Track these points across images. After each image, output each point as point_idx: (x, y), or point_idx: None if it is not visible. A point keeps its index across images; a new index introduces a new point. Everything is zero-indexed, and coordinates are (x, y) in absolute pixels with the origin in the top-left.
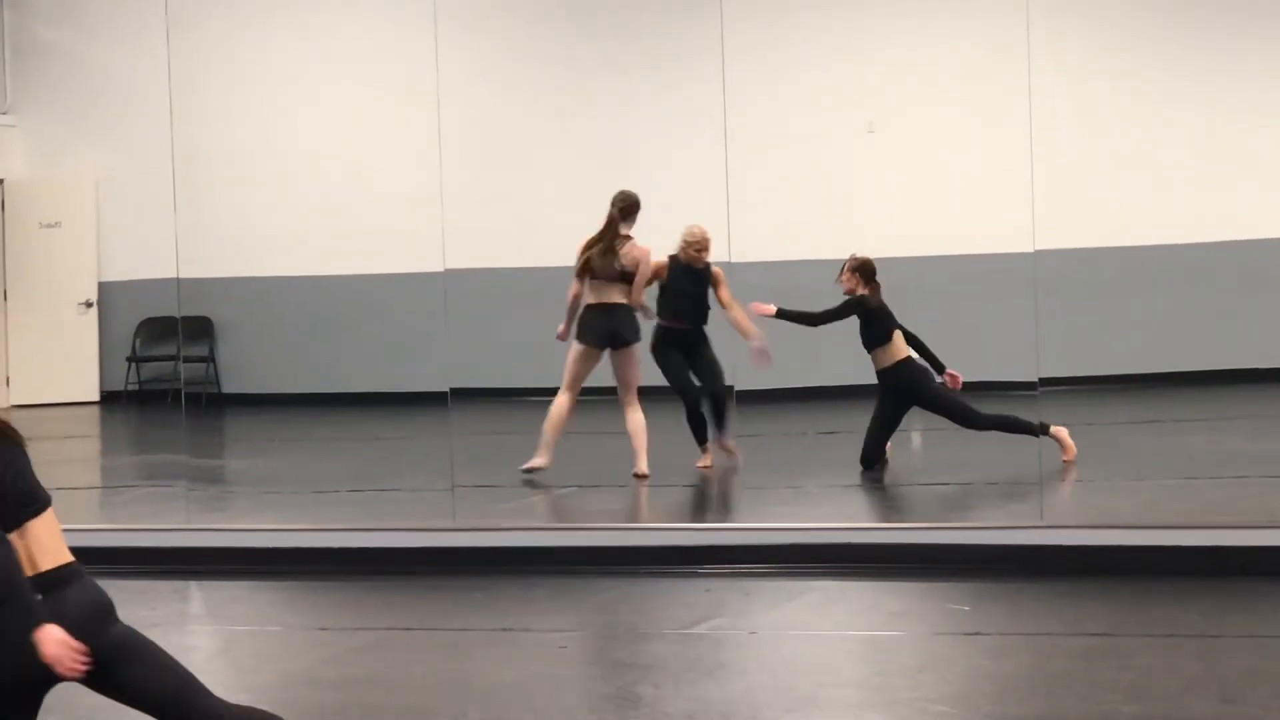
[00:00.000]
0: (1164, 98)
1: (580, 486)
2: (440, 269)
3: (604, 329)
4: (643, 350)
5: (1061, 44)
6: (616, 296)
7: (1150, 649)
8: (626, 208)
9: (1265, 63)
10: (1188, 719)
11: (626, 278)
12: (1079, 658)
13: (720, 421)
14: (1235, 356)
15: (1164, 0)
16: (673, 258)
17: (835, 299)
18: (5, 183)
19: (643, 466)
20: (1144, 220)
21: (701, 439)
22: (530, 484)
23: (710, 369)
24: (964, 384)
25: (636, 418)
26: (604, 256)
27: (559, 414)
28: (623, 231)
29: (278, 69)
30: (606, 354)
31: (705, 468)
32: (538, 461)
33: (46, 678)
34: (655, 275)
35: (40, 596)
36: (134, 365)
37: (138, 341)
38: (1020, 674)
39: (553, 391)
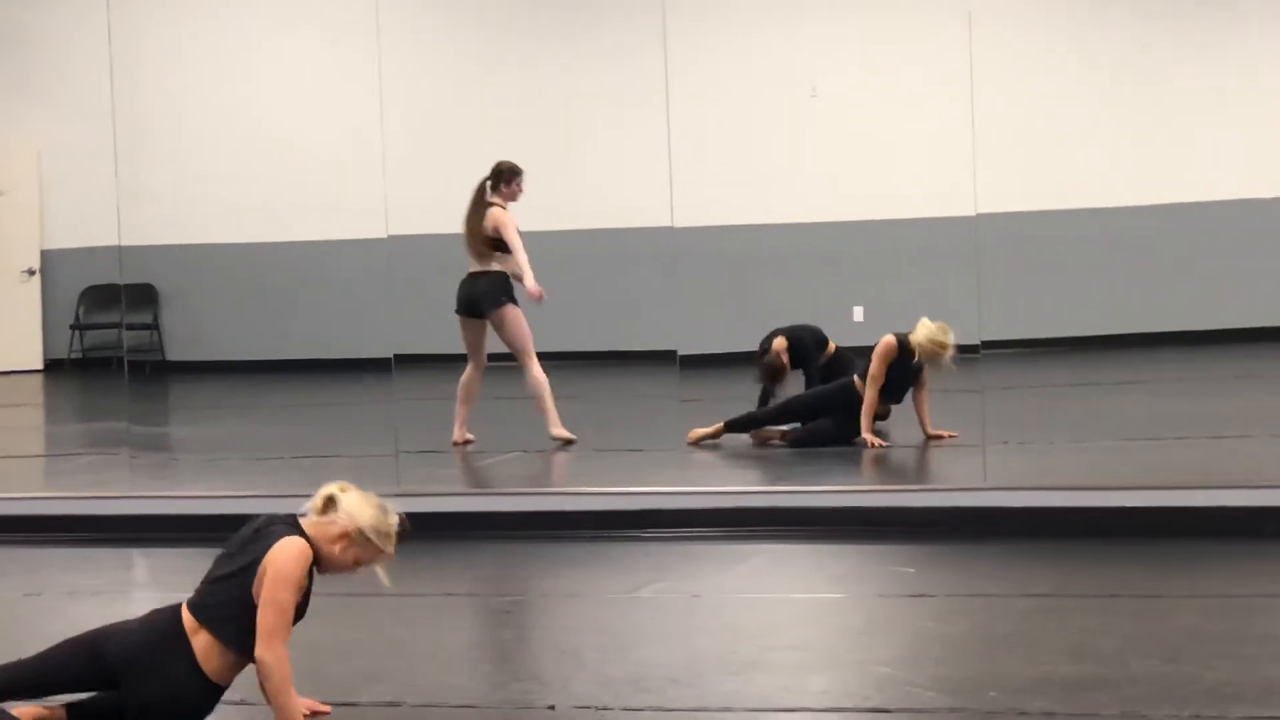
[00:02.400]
0: (1105, 62)
1: (525, 451)
2: (384, 235)
3: (463, 297)
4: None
5: (1003, 7)
6: (479, 265)
7: (1092, 609)
8: (493, 175)
9: (1206, 28)
10: (1128, 678)
11: (497, 245)
12: (1022, 619)
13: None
14: (1174, 319)
15: None
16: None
17: (780, 261)
18: None
19: (556, 429)
20: (1085, 184)
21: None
22: (478, 451)
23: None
24: None
25: (531, 378)
26: (468, 224)
27: (462, 384)
28: (490, 199)
29: (220, 35)
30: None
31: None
32: (456, 435)
33: None
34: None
35: None
36: (77, 333)
37: (81, 309)
38: (964, 635)
39: (497, 358)
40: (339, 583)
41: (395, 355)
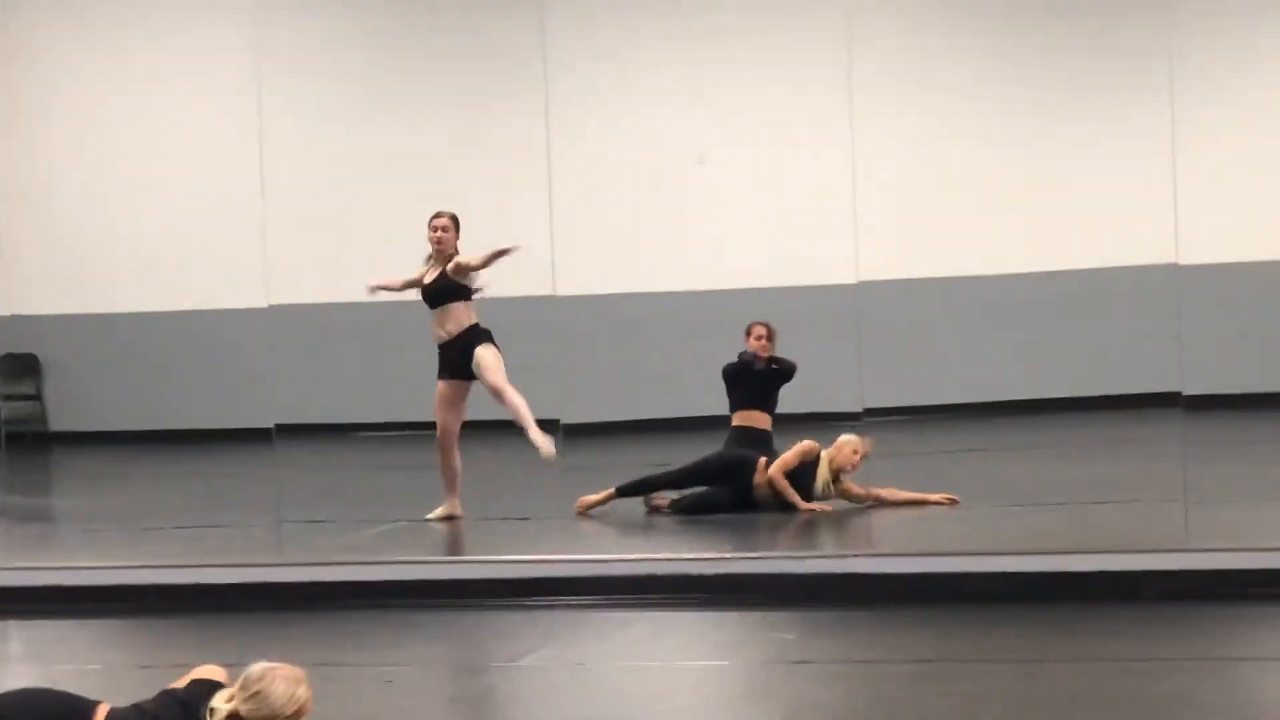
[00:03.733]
0: (984, 134)
1: (410, 521)
2: (264, 304)
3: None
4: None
5: (883, 82)
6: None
7: (973, 674)
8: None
9: (1084, 99)
10: None
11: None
12: (904, 684)
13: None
14: (1054, 386)
15: (985, 40)
16: None
17: (666, 329)
18: None
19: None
20: (966, 252)
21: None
22: (363, 519)
23: None
24: (791, 414)
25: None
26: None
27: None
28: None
29: (99, 104)
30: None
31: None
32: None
33: None
34: None
35: None
36: None
37: None
38: (845, 701)
39: (383, 426)
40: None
41: (276, 425)
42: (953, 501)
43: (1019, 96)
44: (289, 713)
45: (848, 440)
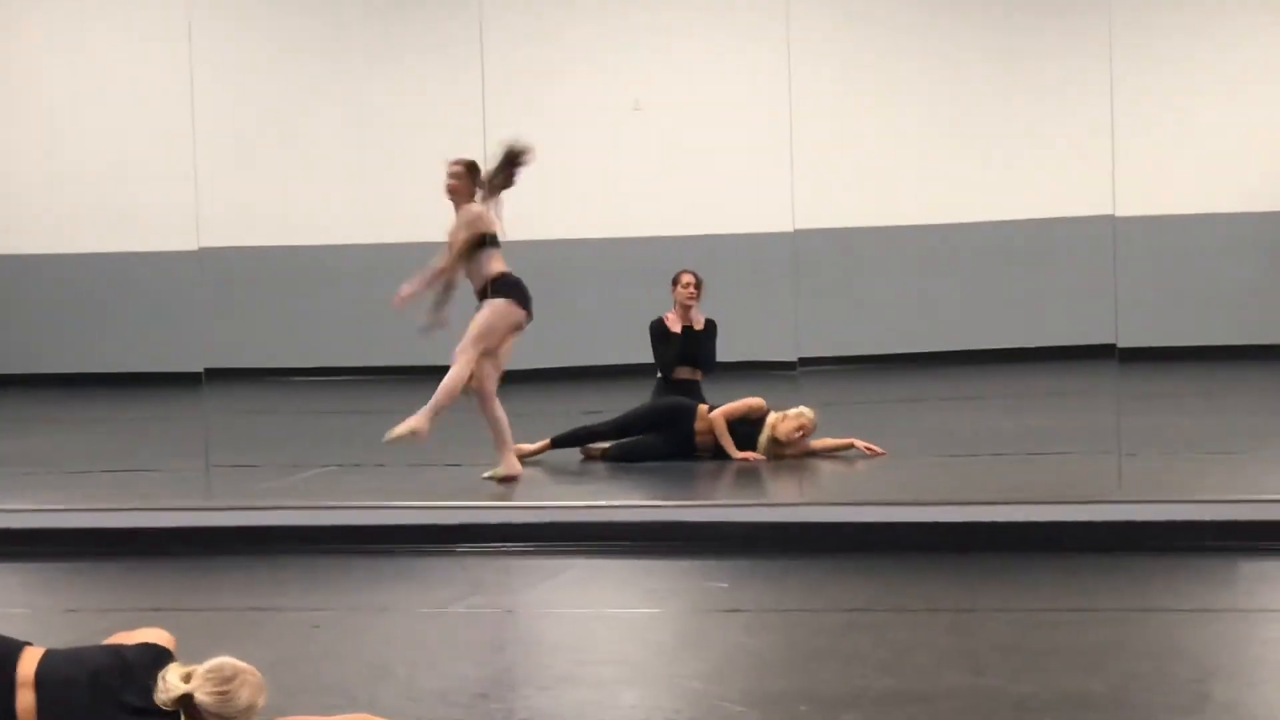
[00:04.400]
0: (923, 83)
1: (340, 466)
2: (195, 247)
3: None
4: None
5: (822, 30)
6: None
7: (906, 623)
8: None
9: (1018, 50)
10: (940, 691)
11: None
12: (836, 633)
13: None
14: (992, 336)
15: None
16: None
17: (599, 276)
18: None
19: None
20: (903, 201)
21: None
22: (293, 465)
23: None
24: (726, 363)
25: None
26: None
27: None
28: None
29: (24, 45)
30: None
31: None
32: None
33: None
34: None
35: None
36: None
37: None
38: (777, 650)
39: (313, 371)
40: (140, 597)
41: (206, 369)
42: (873, 453)
43: (958, 46)
44: (240, 718)
45: (797, 414)
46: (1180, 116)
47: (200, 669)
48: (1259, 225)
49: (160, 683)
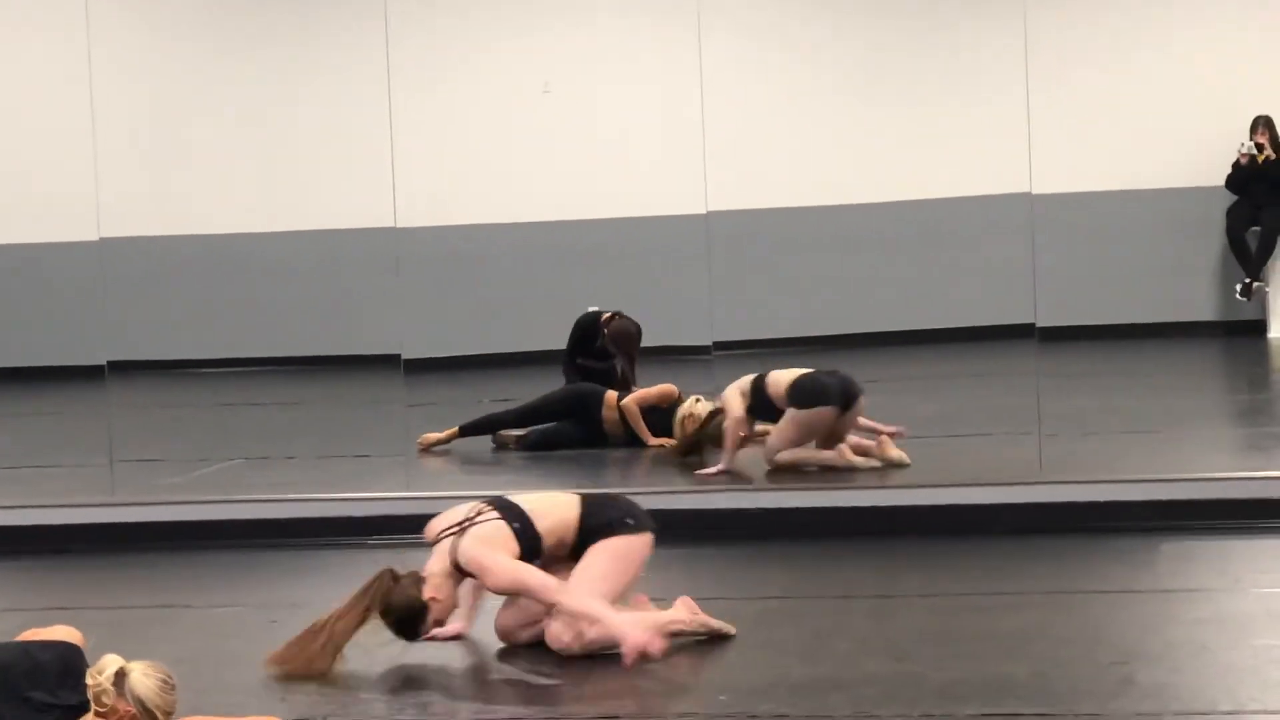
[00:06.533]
0: (837, 63)
1: (247, 459)
2: (95, 238)
3: None
4: None
5: (733, 9)
6: None
7: (825, 610)
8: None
9: (931, 27)
10: (860, 678)
11: None
12: (754, 622)
13: None
14: (907, 318)
15: None
16: None
17: (510, 261)
18: None
19: None
20: (818, 182)
21: None
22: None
23: None
24: (644, 348)
25: None
26: None
27: None
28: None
29: None
30: None
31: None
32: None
33: None
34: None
35: None
36: None
37: None
38: (693, 639)
39: (218, 363)
40: (44, 596)
41: (109, 362)
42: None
43: (872, 25)
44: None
45: (700, 411)
46: (1097, 92)
47: (138, 662)
48: (1178, 201)
49: (95, 666)
